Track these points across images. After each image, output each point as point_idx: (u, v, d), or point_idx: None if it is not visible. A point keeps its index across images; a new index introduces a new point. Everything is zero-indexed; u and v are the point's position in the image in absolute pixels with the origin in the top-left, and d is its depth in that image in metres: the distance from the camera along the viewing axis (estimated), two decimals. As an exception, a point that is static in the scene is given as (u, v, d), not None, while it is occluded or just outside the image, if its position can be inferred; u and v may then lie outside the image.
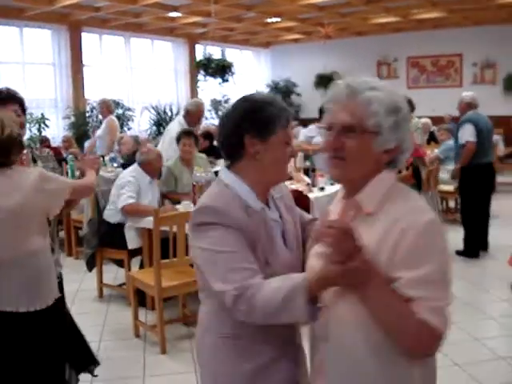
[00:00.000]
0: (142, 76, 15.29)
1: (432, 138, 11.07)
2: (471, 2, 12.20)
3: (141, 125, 14.80)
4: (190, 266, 4.58)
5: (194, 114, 6.69)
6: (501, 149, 11.77)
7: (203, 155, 6.42)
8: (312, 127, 7.64)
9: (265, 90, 18.28)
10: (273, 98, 1.96)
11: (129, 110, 13.85)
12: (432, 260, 1.52)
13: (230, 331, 1.85)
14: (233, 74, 10.90)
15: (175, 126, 6.57)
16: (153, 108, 14.80)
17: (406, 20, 14.56)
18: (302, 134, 8.01)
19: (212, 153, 8.13)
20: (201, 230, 1.80)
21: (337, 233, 1.46)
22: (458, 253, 6.80)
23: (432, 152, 9.08)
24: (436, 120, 12.40)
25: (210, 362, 1.94)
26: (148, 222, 4.77)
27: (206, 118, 15.13)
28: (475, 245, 6.84)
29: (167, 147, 6.46)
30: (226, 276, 1.71)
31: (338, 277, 1.52)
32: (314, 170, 6.34)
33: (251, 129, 1.85)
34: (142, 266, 5.25)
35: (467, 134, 6.71)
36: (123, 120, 13.38)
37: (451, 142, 8.26)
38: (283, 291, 1.62)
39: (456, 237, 6.81)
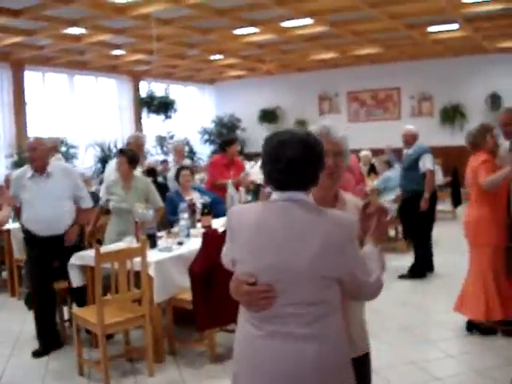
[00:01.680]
0: (86, 113, 15.27)
1: (372, 170, 11.41)
2: (407, 37, 12.72)
3: (85, 162, 14.73)
4: (133, 301, 4.63)
5: (134, 148, 6.74)
6: (439, 178, 12.19)
7: (146, 179, 6.39)
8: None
9: (210, 125, 18.50)
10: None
11: (73, 147, 13.80)
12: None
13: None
14: (175, 110, 11.01)
15: (114, 162, 6.61)
16: (97, 145, 14.77)
17: (345, 56, 15.06)
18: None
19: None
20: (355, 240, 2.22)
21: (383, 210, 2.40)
22: (402, 276, 7.16)
23: (372, 183, 9.37)
24: (376, 152, 12.79)
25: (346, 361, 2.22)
26: (90, 259, 4.79)
27: (152, 155, 15.20)
28: (423, 266, 7.24)
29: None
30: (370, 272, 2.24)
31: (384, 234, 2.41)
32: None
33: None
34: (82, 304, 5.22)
35: (428, 163, 7.13)
36: (67, 157, 13.31)
37: (389, 174, 8.56)
38: (377, 260, 2.31)
39: (398, 264, 7.14)
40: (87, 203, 5.46)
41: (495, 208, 4.89)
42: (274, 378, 2.09)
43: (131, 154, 5.94)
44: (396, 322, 5.42)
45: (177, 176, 6.90)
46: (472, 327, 5.12)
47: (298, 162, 2.12)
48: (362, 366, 2.45)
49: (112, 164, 6.68)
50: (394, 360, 4.55)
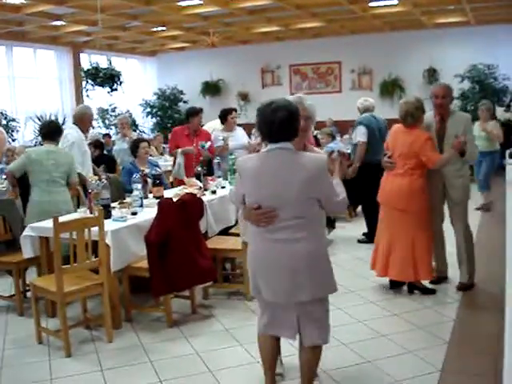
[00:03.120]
0: (25, 85, 14.95)
1: (316, 142, 11.63)
2: (348, 12, 12.95)
3: (25, 135, 14.47)
4: (91, 270, 4.72)
5: (84, 119, 6.72)
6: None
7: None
8: (217, 136, 7.83)
9: (152, 97, 18.37)
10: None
11: (13, 120, 13.53)
12: None
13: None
14: (121, 82, 10.94)
15: (73, 133, 6.57)
16: (37, 118, 14.50)
17: (288, 29, 15.19)
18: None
19: (103, 161, 8.20)
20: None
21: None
22: (360, 241, 7.63)
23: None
24: (319, 125, 13.04)
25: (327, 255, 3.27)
26: (46, 230, 4.85)
27: (93, 127, 15.02)
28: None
29: (74, 151, 6.44)
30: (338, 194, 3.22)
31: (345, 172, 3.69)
32: (205, 175, 6.60)
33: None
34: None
35: (359, 134, 7.49)
36: (7, 131, 13.06)
37: (332, 145, 8.81)
38: (341, 188, 3.30)
39: (353, 229, 7.69)
40: None
41: (424, 178, 5.32)
42: (280, 268, 3.13)
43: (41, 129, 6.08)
44: (344, 285, 5.69)
45: (133, 148, 6.91)
46: (393, 285, 5.61)
47: (286, 121, 3.07)
48: None
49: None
50: (344, 320, 4.82)
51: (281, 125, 3.05)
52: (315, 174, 3.04)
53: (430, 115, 5.48)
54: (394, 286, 5.62)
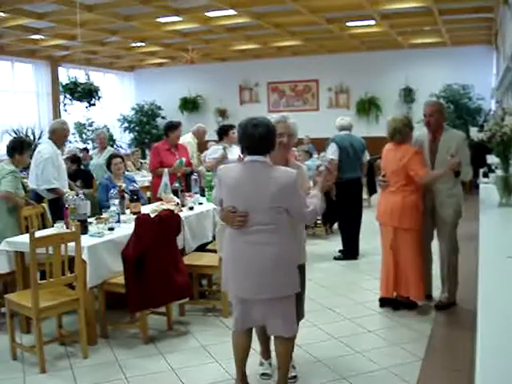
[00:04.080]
0: (2, 99, 14.85)
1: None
2: (326, 31, 13.12)
3: (1, 149, 14.33)
4: (66, 286, 4.70)
5: (60, 134, 6.70)
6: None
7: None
8: (215, 147, 7.86)
9: (129, 112, 18.37)
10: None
11: (-12, 133, 13.44)
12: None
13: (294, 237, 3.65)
14: (99, 98, 10.94)
15: (47, 148, 6.56)
16: (14, 132, 14.41)
17: (266, 47, 15.33)
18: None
19: (79, 176, 8.18)
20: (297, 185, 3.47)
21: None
22: (336, 258, 7.67)
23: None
24: (296, 142, 13.11)
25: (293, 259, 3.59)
26: (22, 245, 4.82)
27: (71, 142, 14.95)
28: (354, 248, 7.71)
29: (44, 169, 6.42)
30: (308, 205, 3.53)
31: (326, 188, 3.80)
32: (182, 191, 6.61)
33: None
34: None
35: (330, 152, 7.54)
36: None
37: (309, 163, 8.89)
38: (318, 200, 3.64)
39: (329, 245, 7.87)
40: None
41: (417, 196, 5.32)
42: (249, 268, 3.48)
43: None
44: (320, 302, 5.72)
45: (108, 164, 6.92)
46: (384, 303, 5.58)
47: (265, 136, 3.44)
48: (302, 271, 3.83)
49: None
50: (320, 336, 4.84)
51: (260, 139, 3.43)
52: (284, 186, 3.38)
53: (423, 133, 5.49)
54: (384, 304, 5.58)
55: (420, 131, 5.65)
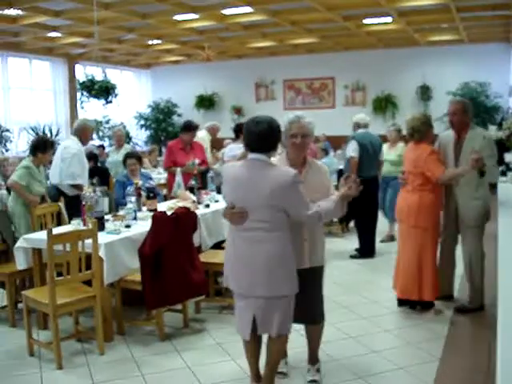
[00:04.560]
0: (19, 96, 14.97)
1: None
2: (343, 28, 13.06)
3: (19, 146, 14.46)
4: (83, 282, 4.72)
5: (86, 131, 6.78)
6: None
7: None
8: (233, 146, 7.95)
9: (146, 110, 18.42)
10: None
11: (6, 131, 13.53)
12: None
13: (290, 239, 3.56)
14: (116, 95, 10.99)
15: (74, 144, 6.63)
16: (31, 129, 14.52)
17: (282, 44, 15.29)
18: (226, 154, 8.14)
19: (96, 174, 8.20)
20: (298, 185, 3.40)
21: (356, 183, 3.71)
22: (352, 256, 7.64)
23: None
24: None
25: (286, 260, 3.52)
26: (39, 242, 4.85)
27: (92, 139, 15.00)
28: (370, 246, 7.69)
29: (70, 165, 6.49)
30: (309, 207, 3.48)
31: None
32: (199, 189, 6.62)
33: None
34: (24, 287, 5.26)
35: (350, 150, 7.52)
36: (0, 141, 13.09)
37: (325, 160, 8.86)
38: (331, 204, 3.59)
39: (345, 244, 7.91)
40: None
41: (435, 196, 5.25)
42: (245, 264, 3.52)
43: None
44: (336, 301, 5.70)
45: (124, 162, 6.99)
46: (402, 303, 5.50)
47: (264, 134, 3.43)
48: (318, 273, 3.85)
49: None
50: (336, 335, 4.83)
51: (259, 137, 3.43)
52: (280, 186, 3.35)
53: (449, 133, 5.41)
54: (402, 304, 5.53)
55: (438, 130, 5.58)
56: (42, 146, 6.18)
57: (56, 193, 6.54)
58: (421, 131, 5.24)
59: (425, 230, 5.26)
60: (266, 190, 3.36)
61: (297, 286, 3.54)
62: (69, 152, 6.49)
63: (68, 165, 6.45)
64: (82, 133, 6.72)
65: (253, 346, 3.74)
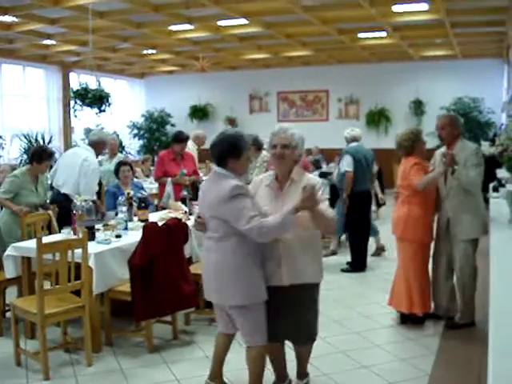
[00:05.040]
0: (12, 103, 14.93)
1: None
2: (337, 42, 13.12)
3: (11, 153, 14.40)
4: (71, 292, 4.67)
5: (102, 145, 6.88)
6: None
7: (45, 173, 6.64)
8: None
9: (139, 119, 18.40)
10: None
11: (-1, 137, 13.49)
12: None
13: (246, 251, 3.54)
14: (110, 104, 10.97)
15: (93, 157, 6.68)
16: (24, 136, 14.46)
17: (277, 57, 15.34)
18: None
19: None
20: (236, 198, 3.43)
21: (312, 190, 3.40)
22: (343, 270, 7.60)
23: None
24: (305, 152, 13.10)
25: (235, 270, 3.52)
26: (29, 250, 4.81)
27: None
28: (362, 260, 7.65)
29: (92, 180, 6.58)
30: (249, 221, 3.39)
31: (311, 206, 3.42)
32: (191, 199, 6.59)
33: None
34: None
35: (346, 164, 7.51)
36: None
37: (316, 173, 8.86)
38: (279, 218, 3.39)
39: (337, 258, 8.02)
40: None
41: (423, 208, 5.25)
42: (204, 269, 3.75)
43: None
44: (327, 315, 5.67)
45: (116, 171, 6.93)
46: (406, 319, 5.44)
47: (214, 146, 3.63)
48: (305, 292, 3.69)
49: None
50: (326, 350, 4.80)
51: (211, 149, 3.64)
52: (219, 198, 3.46)
53: (442, 149, 5.36)
54: (405, 320, 5.45)
55: (431, 144, 5.60)
56: (37, 156, 6.12)
57: (64, 198, 6.46)
58: (405, 146, 5.32)
59: (411, 243, 5.27)
60: (212, 202, 3.52)
61: (257, 296, 3.55)
62: (89, 166, 6.54)
63: (89, 180, 6.50)
64: (98, 145, 6.80)
65: (224, 340, 3.88)
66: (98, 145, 6.79)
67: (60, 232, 5.54)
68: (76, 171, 6.52)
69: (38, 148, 6.58)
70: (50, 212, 6.21)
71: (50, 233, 5.94)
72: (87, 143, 6.96)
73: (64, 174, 6.67)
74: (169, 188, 7.14)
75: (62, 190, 6.58)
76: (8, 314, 5.17)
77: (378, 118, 16.41)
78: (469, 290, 5.27)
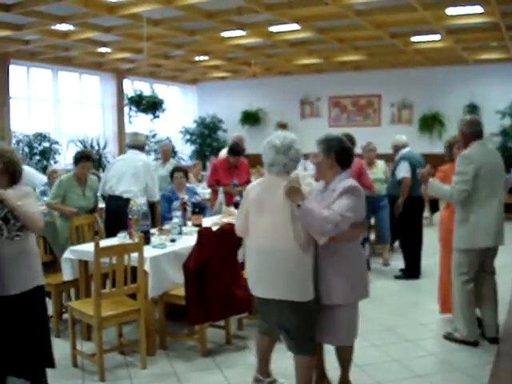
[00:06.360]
0: (68, 109, 15.30)
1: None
2: (390, 46, 12.98)
3: (67, 158, 14.72)
4: (128, 296, 4.75)
5: (166, 151, 7.06)
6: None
7: (95, 178, 6.76)
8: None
9: (192, 125, 18.59)
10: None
11: (55, 143, 13.81)
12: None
13: None
14: (164, 110, 11.13)
15: (152, 164, 7.05)
16: (79, 141, 14.79)
17: (328, 62, 15.27)
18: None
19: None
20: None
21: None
22: (396, 277, 7.54)
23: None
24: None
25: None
26: (86, 254, 4.92)
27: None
28: (416, 267, 7.54)
29: (156, 184, 6.79)
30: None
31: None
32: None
33: None
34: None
35: (403, 170, 7.46)
36: (49, 153, 13.37)
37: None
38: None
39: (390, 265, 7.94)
40: None
41: (449, 212, 5.34)
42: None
43: None
44: (380, 322, 5.61)
45: (171, 176, 7.07)
46: None
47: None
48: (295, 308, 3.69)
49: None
50: (378, 358, 4.74)
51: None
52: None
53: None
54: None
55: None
56: (74, 160, 6.33)
57: (126, 203, 6.42)
58: (446, 154, 5.64)
59: (442, 244, 5.53)
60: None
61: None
62: (153, 171, 6.82)
63: (156, 184, 6.74)
64: (163, 152, 7.09)
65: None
66: (144, 149, 7.08)
67: (107, 236, 5.66)
68: (140, 176, 6.55)
69: (77, 152, 6.72)
70: (96, 215, 6.35)
71: (96, 235, 6.07)
72: (130, 146, 6.97)
73: (125, 181, 6.55)
74: (221, 196, 7.20)
75: (125, 195, 6.37)
76: (65, 316, 5.29)
77: (431, 123, 16.12)
78: (460, 305, 5.04)
